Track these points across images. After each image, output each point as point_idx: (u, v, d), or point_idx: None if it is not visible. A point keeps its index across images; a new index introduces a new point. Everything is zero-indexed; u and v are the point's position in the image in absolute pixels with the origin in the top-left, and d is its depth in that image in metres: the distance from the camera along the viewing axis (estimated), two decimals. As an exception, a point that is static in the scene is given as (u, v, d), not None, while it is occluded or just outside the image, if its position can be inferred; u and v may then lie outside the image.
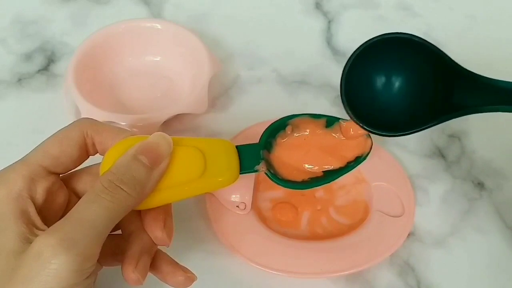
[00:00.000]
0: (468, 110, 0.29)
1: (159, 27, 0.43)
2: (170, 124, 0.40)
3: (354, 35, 0.47)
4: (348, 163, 0.33)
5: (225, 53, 0.45)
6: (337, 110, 0.43)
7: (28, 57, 0.44)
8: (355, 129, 0.32)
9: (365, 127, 0.30)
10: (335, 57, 0.46)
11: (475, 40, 0.47)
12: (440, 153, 0.41)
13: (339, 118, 0.33)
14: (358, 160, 0.33)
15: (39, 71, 0.44)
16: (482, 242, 0.38)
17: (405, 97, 0.31)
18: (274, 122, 0.33)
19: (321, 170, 0.33)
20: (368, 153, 0.33)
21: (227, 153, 0.30)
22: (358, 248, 0.35)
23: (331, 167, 0.33)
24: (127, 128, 0.37)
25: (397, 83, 0.31)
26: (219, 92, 0.44)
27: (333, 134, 0.34)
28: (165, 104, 0.42)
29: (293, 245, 0.35)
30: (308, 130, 0.34)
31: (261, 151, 0.32)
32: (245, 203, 0.36)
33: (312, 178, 0.33)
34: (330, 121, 0.33)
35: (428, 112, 0.30)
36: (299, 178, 0.33)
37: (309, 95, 0.44)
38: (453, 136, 0.42)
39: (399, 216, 0.37)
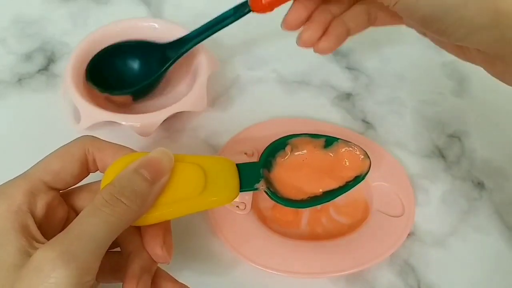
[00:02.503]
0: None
1: (156, 26, 0.43)
2: (170, 123, 0.40)
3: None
4: (347, 182, 0.34)
5: (225, 53, 0.45)
6: (337, 110, 0.43)
7: (28, 57, 0.44)
8: (349, 159, 0.34)
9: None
10: (335, 57, 0.46)
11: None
12: (440, 153, 0.41)
13: (338, 139, 0.34)
14: (356, 179, 0.34)
15: (39, 71, 0.43)
16: (482, 242, 0.38)
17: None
18: (274, 141, 0.34)
19: (320, 190, 0.34)
20: (367, 173, 0.34)
21: (227, 171, 0.30)
22: (358, 248, 0.35)
23: (329, 188, 0.34)
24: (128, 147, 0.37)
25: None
26: (219, 92, 0.44)
27: (330, 154, 0.35)
28: (164, 102, 0.41)
29: (293, 245, 0.35)
30: (305, 150, 0.35)
31: (261, 169, 0.32)
32: (245, 203, 0.36)
33: (311, 197, 0.34)
34: (329, 141, 0.35)
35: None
36: (298, 197, 0.33)
37: (309, 95, 0.44)
38: (453, 136, 0.42)
39: (399, 216, 0.37)
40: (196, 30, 0.39)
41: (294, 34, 0.48)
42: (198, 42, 0.39)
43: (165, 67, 0.40)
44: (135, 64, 0.42)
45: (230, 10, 0.37)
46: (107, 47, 0.41)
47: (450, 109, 0.44)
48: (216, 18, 0.38)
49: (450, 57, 0.46)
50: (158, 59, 0.41)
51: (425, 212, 0.38)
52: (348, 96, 0.44)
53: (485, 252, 0.37)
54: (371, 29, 0.44)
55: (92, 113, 0.38)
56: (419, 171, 0.40)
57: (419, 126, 0.43)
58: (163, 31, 0.42)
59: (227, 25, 0.38)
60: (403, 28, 0.48)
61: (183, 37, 0.40)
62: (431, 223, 0.38)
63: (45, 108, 0.41)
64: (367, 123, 0.43)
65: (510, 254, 0.37)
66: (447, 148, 0.42)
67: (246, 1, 0.36)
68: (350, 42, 0.47)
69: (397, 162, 0.40)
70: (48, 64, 0.44)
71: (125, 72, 0.42)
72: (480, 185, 0.40)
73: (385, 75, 0.45)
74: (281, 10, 0.48)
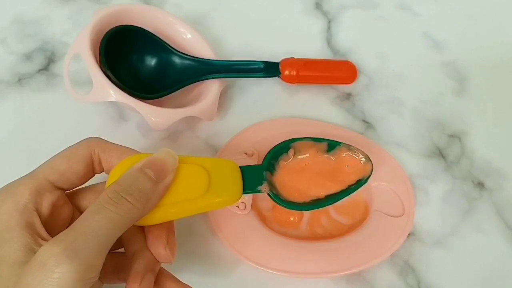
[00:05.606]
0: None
1: (189, 36, 0.42)
2: (172, 123, 0.40)
3: (354, 35, 0.47)
4: (349, 186, 0.34)
5: (225, 53, 0.45)
6: (337, 110, 0.43)
7: (28, 57, 0.44)
8: (350, 165, 0.34)
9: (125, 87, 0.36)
10: (335, 57, 0.46)
11: (475, 40, 0.47)
12: (440, 153, 0.41)
13: (340, 143, 0.34)
14: (359, 183, 0.34)
15: (39, 71, 0.43)
16: (482, 242, 0.38)
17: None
18: (277, 144, 0.34)
19: (322, 193, 0.34)
20: (369, 177, 0.34)
21: (231, 173, 0.31)
22: (358, 248, 0.35)
23: (332, 191, 0.34)
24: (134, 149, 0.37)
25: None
26: (220, 92, 0.43)
27: (332, 158, 0.35)
28: (173, 97, 0.41)
29: (293, 245, 0.35)
30: (308, 154, 0.35)
31: (264, 172, 0.32)
32: (245, 203, 0.36)
33: (313, 200, 0.34)
34: (332, 145, 0.35)
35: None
36: (300, 199, 0.34)
37: (309, 95, 0.44)
38: (453, 136, 0.42)
39: (399, 216, 0.37)
40: (223, 64, 0.41)
41: (294, 34, 0.48)
42: (220, 77, 0.41)
43: (180, 86, 0.41)
44: (152, 61, 0.41)
45: (259, 62, 0.41)
46: (131, 26, 0.40)
47: (450, 109, 0.44)
48: (246, 64, 0.41)
49: (450, 57, 0.46)
50: (174, 67, 0.41)
51: (425, 212, 0.38)
52: (348, 96, 0.44)
53: (485, 252, 0.37)
54: (370, 29, 0.44)
55: (106, 89, 0.35)
56: (419, 171, 0.40)
57: (419, 126, 0.43)
58: (191, 42, 0.42)
59: (254, 77, 0.42)
60: (403, 28, 0.48)
61: (208, 61, 0.41)
62: (431, 223, 0.38)
63: (45, 108, 0.41)
64: (367, 123, 0.43)
65: (510, 254, 0.37)
66: (447, 148, 0.42)
67: (277, 66, 0.41)
68: (349, 42, 0.47)
69: (397, 162, 0.40)
70: (48, 64, 0.44)
71: (139, 66, 0.41)
72: (480, 185, 0.40)
73: (385, 75, 0.45)
74: (282, 9, 0.49)
